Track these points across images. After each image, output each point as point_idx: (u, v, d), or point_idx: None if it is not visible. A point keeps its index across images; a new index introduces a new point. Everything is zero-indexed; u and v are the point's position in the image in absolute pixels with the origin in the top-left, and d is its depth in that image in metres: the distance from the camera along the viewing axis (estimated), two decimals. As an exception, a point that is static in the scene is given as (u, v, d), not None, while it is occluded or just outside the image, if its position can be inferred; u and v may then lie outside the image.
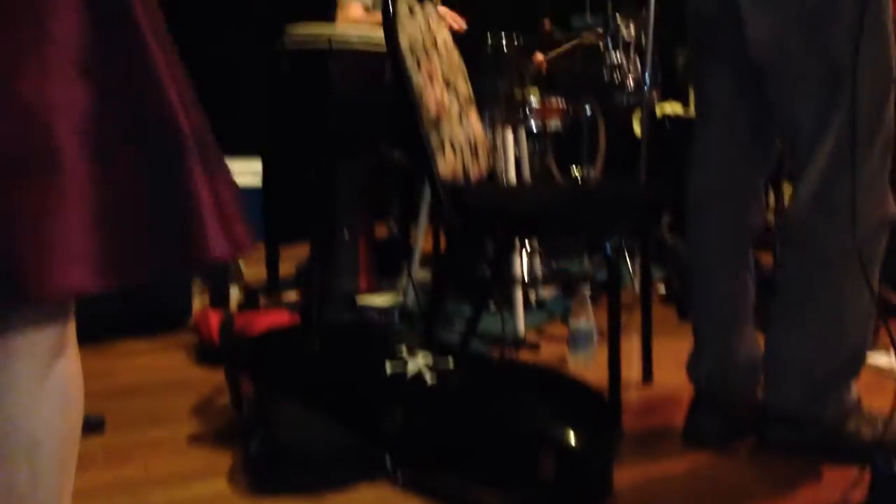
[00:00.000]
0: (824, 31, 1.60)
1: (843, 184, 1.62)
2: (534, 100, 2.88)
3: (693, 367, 1.94)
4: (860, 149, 1.61)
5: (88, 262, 0.85)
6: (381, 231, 3.45)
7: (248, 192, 3.77)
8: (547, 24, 3.17)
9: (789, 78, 1.66)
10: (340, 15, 3.02)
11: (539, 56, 3.17)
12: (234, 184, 0.99)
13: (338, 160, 2.57)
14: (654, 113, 3.34)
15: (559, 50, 3.08)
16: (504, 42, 2.62)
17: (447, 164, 1.98)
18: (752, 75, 1.73)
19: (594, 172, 3.16)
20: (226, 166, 0.99)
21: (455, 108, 2.10)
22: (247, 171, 3.95)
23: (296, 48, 2.48)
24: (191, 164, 0.90)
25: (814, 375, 1.71)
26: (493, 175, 2.27)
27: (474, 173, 2.12)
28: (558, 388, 1.78)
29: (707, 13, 1.80)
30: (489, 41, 2.62)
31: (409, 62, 1.94)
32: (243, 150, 3.85)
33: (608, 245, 1.81)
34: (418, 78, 1.94)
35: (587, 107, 3.05)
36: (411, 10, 2.04)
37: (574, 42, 3.01)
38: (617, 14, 2.86)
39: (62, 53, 0.84)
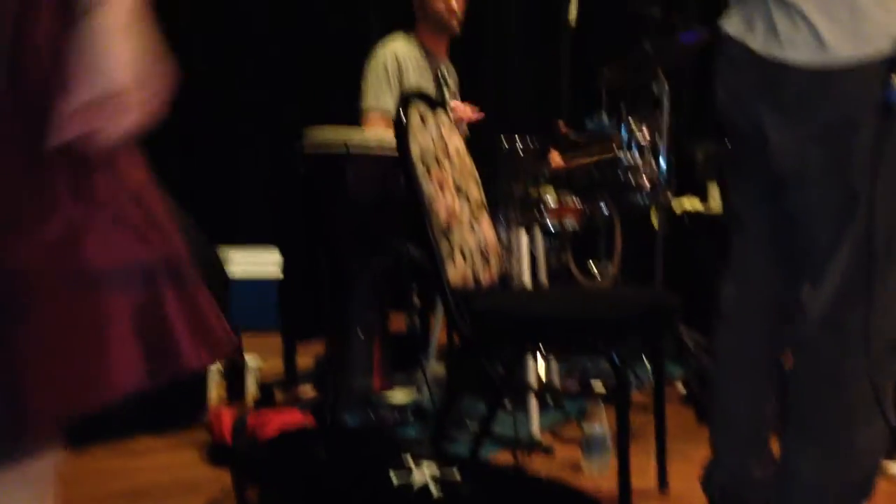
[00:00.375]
0: (843, 149, 1.59)
1: (857, 306, 1.59)
2: (549, 199, 2.91)
3: (707, 480, 1.90)
4: (878, 271, 1.58)
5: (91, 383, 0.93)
6: (399, 322, 3.46)
7: (269, 282, 3.82)
8: (562, 125, 3.23)
9: (808, 191, 1.65)
10: (365, 127, 3.10)
11: (556, 157, 3.21)
12: (207, 294, 1.08)
13: (353, 260, 2.60)
14: (671, 212, 3.37)
15: (579, 161, 3.12)
16: (519, 145, 2.66)
17: (457, 272, 2.00)
18: (776, 188, 1.72)
19: (612, 269, 3.16)
20: (200, 281, 1.07)
21: (466, 215, 2.13)
22: (268, 262, 4.01)
23: (314, 151, 2.54)
24: (164, 291, 0.99)
25: (823, 498, 1.67)
26: (504, 279, 2.28)
27: (485, 279, 2.13)
28: (566, 503, 1.74)
29: (734, 126, 1.81)
30: (504, 144, 2.67)
31: (420, 170, 1.98)
32: (267, 241, 3.93)
33: (615, 355, 1.80)
34: (429, 187, 1.98)
35: (603, 206, 3.07)
36: (423, 120, 2.09)
37: (595, 158, 3.05)
38: (630, 118, 2.90)
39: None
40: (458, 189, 2.14)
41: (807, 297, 1.66)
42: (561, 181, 3.06)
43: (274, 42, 4.26)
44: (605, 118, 3.03)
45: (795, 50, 1.59)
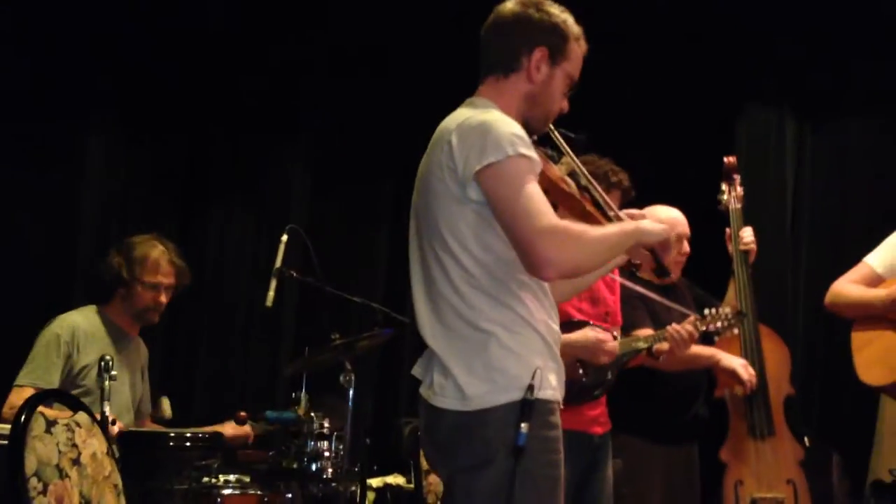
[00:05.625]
0: (479, 487, 1.76)
1: None
2: (227, 490, 2.79)
3: None
4: None
5: None
6: None
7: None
8: (242, 415, 3.19)
9: None
10: (14, 398, 2.85)
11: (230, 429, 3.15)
12: None
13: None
14: (366, 491, 3.36)
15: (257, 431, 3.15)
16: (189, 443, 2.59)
17: None
18: None
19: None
20: None
21: (92, 531, 1.98)
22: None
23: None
24: None
25: None
26: None
27: None
28: None
29: None
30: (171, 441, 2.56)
31: (33, 484, 1.84)
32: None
33: None
34: (40, 505, 1.83)
35: (288, 495, 3.00)
36: (51, 426, 1.96)
37: (264, 428, 3.10)
38: (312, 407, 2.92)
39: None
40: (87, 502, 1.99)
41: None
42: (241, 469, 2.97)
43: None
44: (291, 409, 3.02)
45: (444, 398, 1.80)
